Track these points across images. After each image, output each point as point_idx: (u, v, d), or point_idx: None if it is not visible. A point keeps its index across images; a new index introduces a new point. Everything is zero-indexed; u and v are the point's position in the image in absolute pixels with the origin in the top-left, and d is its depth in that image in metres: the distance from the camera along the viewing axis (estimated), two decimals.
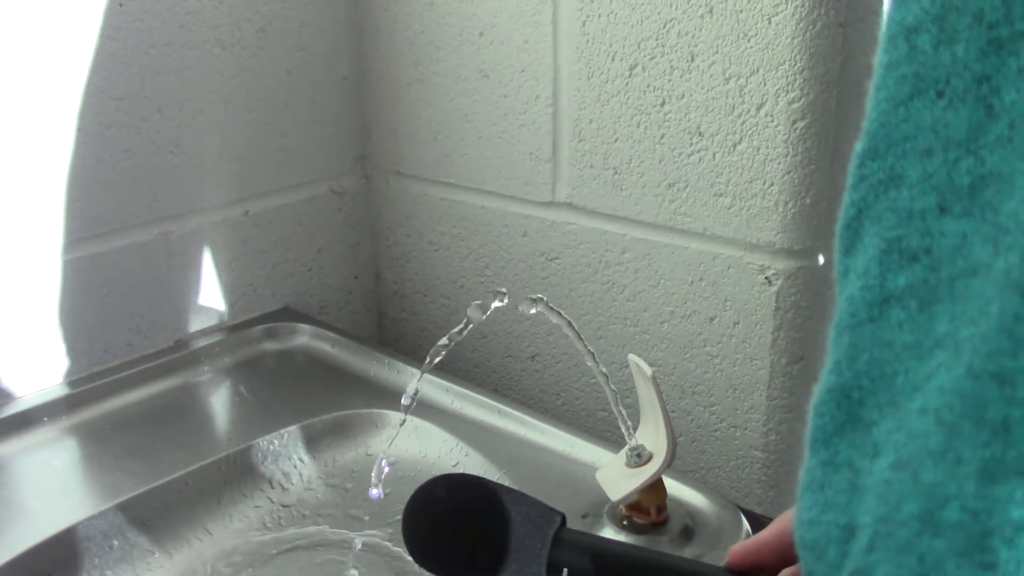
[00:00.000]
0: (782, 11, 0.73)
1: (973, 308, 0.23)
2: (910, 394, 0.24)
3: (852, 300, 0.27)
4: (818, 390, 0.27)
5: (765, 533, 0.46)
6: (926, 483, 0.23)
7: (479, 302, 0.66)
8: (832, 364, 0.27)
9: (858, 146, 0.27)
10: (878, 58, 0.27)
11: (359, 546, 0.73)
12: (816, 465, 0.28)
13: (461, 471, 0.79)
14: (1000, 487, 0.21)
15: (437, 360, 0.68)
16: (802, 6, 0.72)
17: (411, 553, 0.51)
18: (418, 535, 0.51)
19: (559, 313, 0.66)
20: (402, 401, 0.69)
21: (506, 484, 0.74)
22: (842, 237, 0.28)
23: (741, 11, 0.76)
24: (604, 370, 0.67)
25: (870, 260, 0.26)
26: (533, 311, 0.66)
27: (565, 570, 0.49)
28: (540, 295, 0.67)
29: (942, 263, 0.24)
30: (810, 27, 0.73)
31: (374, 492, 0.70)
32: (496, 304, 0.66)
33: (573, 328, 0.66)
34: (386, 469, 0.69)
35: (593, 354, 0.66)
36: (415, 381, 0.68)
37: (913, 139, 0.26)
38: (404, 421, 0.71)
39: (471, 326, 0.66)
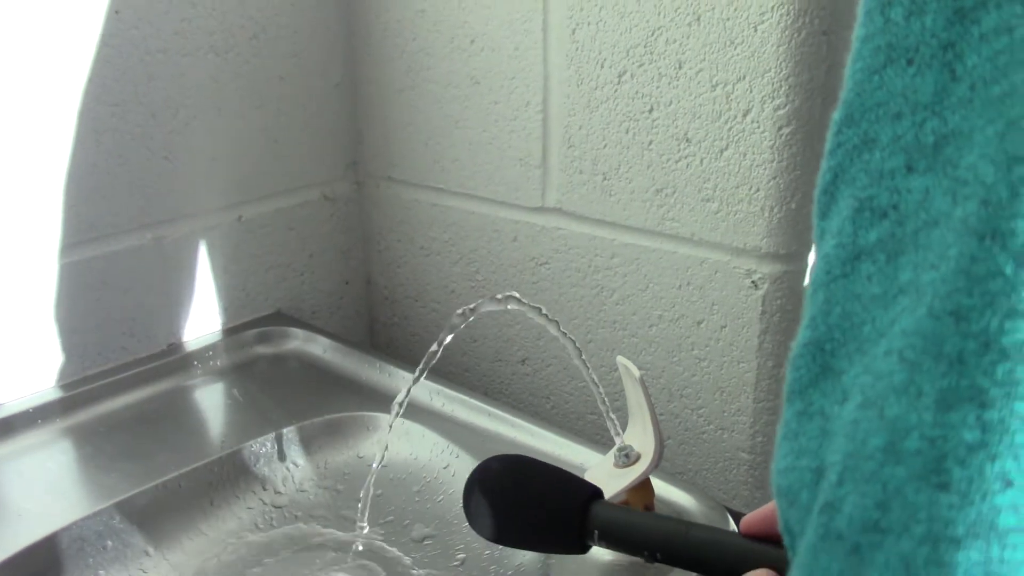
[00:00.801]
0: (768, 19, 0.75)
1: (934, 255, 0.25)
2: (875, 340, 0.26)
3: (827, 258, 0.28)
4: (795, 344, 0.29)
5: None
6: (890, 417, 0.25)
7: (461, 311, 0.67)
8: (808, 320, 0.29)
9: (835, 115, 0.29)
10: (856, 32, 0.29)
11: (353, 546, 0.74)
12: (792, 416, 0.29)
13: (451, 473, 0.80)
14: (954, 414, 0.23)
15: (428, 368, 0.69)
16: (787, 15, 0.74)
17: (469, 521, 0.59)
18: (474, 505, 0.58)
19: (528, 305, 0.67)
20: (392, 409, 0.70)
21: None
22: (819, 201, 0.30)
23: (728, 19, 0.77)
24: (572, 338, 0.68)
25: (844, 220, 0.28)
26: (508, 306, 0.67)
27: (596, 532, 0.55)
28: (511, 293, 0.68)
29: (907, 217, 0.26)
30: (795, 35, 0.74)
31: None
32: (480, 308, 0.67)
33: (544, 315, 0.67)
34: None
35: (573, 342, 0.67)
36: (404, 392, 0.69)
37: (885, 105, 0.27)
38: (391, 427, 0.72)
39: (452, 334, 0.67)
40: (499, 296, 0.67)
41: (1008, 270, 0.22)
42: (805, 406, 0.29)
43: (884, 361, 0.25)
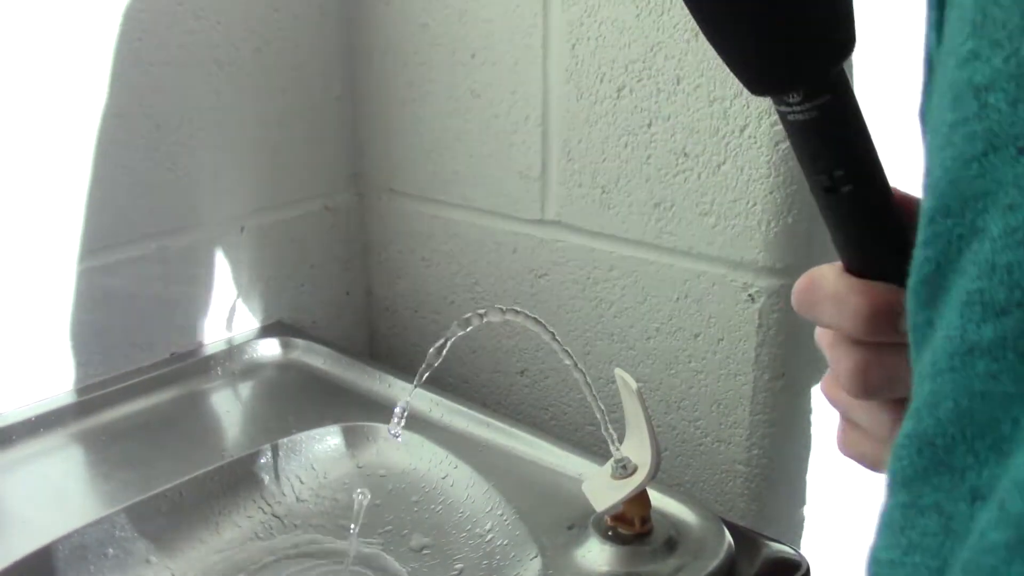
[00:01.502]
0: None
1: None
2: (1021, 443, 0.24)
3: (934, 351, 0.26)
4: (899, 434, 0.27)
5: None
6: (1014, 512, 0.23)
7: (459, 320, 0.68)
8: (912, 411, 0.27)
9: (925, 203, 0.27)
10: (939, 117, 0.26)
11: (352, 554, 0.74)
12: (895, 506, 0.28)
13: (450, 483, 0.80)
14: None
15: (425, 376, 0.70)
16: None
17: None
18: None
19: (526, 315, 0.68)
20: (392, 420, 0.70)
21: (494, 494, 0.76)
22: (919, 292, 0.27)
23: None
24: (570, 352, 0.68)
25: (951, 311, 0.26)
26: (507, 317, 0.68)
27: (828, 98, 0.37)
28: (513, 306, 0.68)
29: None
30: None
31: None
32: (477, 322, 0.67)
33: (541, 324, 0.68)
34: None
35: (568, 353, 0.68)
36: (403, 401, 0.70)
37: (992, 195, 0.25)
38: (399, 435, 0.72)
39: (450, 341, 0.68)
40: (502, 307, 0.68)
41: None
42: (913, 499, 0.27)
43: None
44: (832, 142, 0.37)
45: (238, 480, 0.80)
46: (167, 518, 0.75)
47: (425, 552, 0.76)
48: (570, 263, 0.94)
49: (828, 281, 0.40)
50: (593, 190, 0.90)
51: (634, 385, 0.66)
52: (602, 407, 0.69)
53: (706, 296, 0.85)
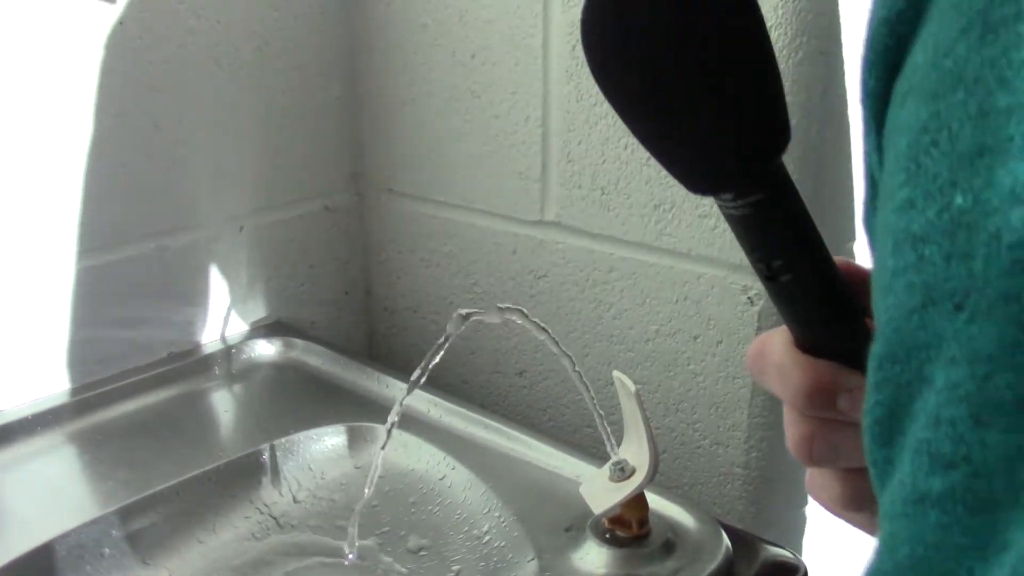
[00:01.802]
0: None
1: None
2: None
3: (891, 493, 0.26)
4: (865, 570, 0.27)
5: None
6: None
7: (458, 313, 0.68)
8: (875, 548, 0.27)
9: (874, 347, 0.27)
10: (881, 258, 0.26)
11: (349, 555, 0.74)
12: None
13: (448, 484, 0.80)
14: None
15: (423, 379, 0.70)
16: (785, 34, 0.74)
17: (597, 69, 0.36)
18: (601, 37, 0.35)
19: (525, 316, 0.68)
20: (388, 419, 0.70)
21: (492, 496, 0.76)
22: (873, 432, 0.27)
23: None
24: (569, 352, 0.68)
25: (905, 456, 0.26)
26: (506, 316, 0.68)
27: (760, 197, 0.36)
28: (509, 304, 0.68)
29: (992, 474, 0.23)
30: (792, 55, 0.75)
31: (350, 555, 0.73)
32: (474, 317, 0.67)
33: (542, 329, 0.68)
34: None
35: (570, 356, 0.68)
36: (398, 404, 0.70)
37: (935, 347, 0.25)
38: (385, 444, 0.72)
39: (449, 338, 0.68)
40: (501, 306, 0.68)
41: None
42: None
43: None
44: (768, 236, 0.37)
45: (235, 480, 0.80)
46: (164, 518, 0.75)
47: (422, 553, 0.75)
48: (569, 264, 0.94)
49: (775, 352, 0.40)
50: (593, 191, 0.90)
51: (632, 387, 0.66)
52: (600, 409, 0.69)
53: (705, 298, 0.85)
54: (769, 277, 0.38)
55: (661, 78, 0.34)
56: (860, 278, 0.40)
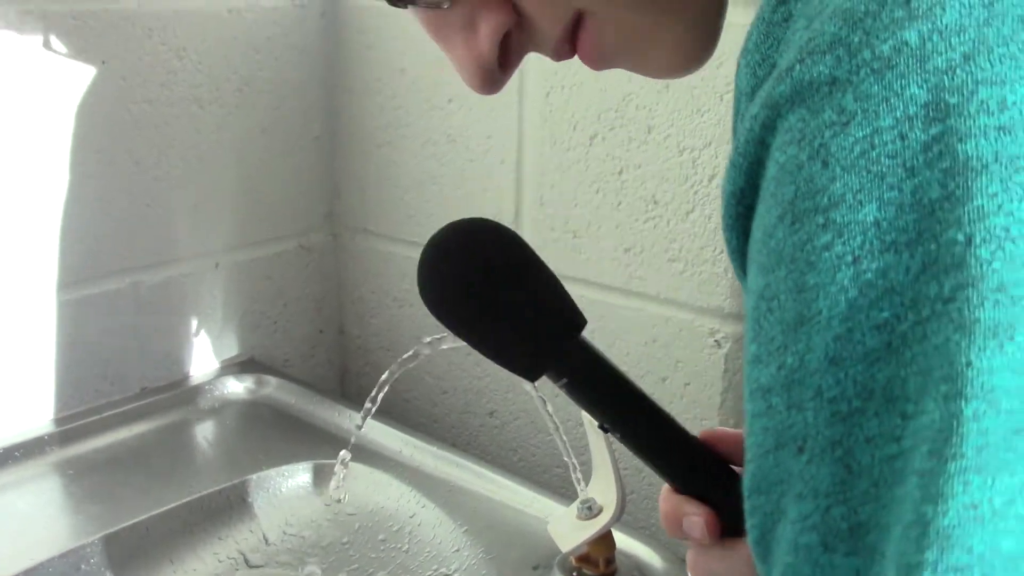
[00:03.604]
0: (733, 89, 0.78)
1: None
2: None
3: None
4: None
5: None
6: None
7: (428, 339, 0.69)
8: None
9: (745, 480, 0.31)
10: (745, 401, 0.31)
11: None
12: None
13: (418, 522, 0.81)
14: None
15: (374, 407, 0.70)
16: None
17: (431, 301, 0.47)
18: (443, 277, 0.47)
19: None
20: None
21: (461, 534, 0.76)
22: (755, 551, 0.31)
23: (695, 87, 0.80)
24: (541, 395, 0.69)
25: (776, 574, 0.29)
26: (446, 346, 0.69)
27: (570, 367, 0.46)
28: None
29: None
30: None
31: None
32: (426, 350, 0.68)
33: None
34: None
35: (542, 397, 0.69)
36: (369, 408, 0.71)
37: (786, 483, 0.29)
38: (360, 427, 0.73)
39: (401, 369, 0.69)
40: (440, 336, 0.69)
41: None
42: None
43: None
44: (587, 404, 0.48)
45: (206, 516, 0.80)
46: (134, 553, 0.75)
47: None
48: None
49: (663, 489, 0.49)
50: (565, 235, 0.92)
51: None
52: (569, 447, 0.70)
53: (674, 341, 0.86)
54: (605, 429, 0.49)
55: (466, 313, 0.46)
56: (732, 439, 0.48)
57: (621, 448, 0.91)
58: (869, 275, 0.27)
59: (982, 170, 0.26)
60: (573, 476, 0.70)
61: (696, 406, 0.86)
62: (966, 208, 0.26)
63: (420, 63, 1.00)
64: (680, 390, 0.87)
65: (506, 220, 0.96)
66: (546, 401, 0.69)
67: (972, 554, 0.24)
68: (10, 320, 0.87)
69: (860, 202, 0.27)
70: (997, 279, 0.25)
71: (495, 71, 0.44)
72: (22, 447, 0.86)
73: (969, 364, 0.25)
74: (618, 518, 0.68)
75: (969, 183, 0.26)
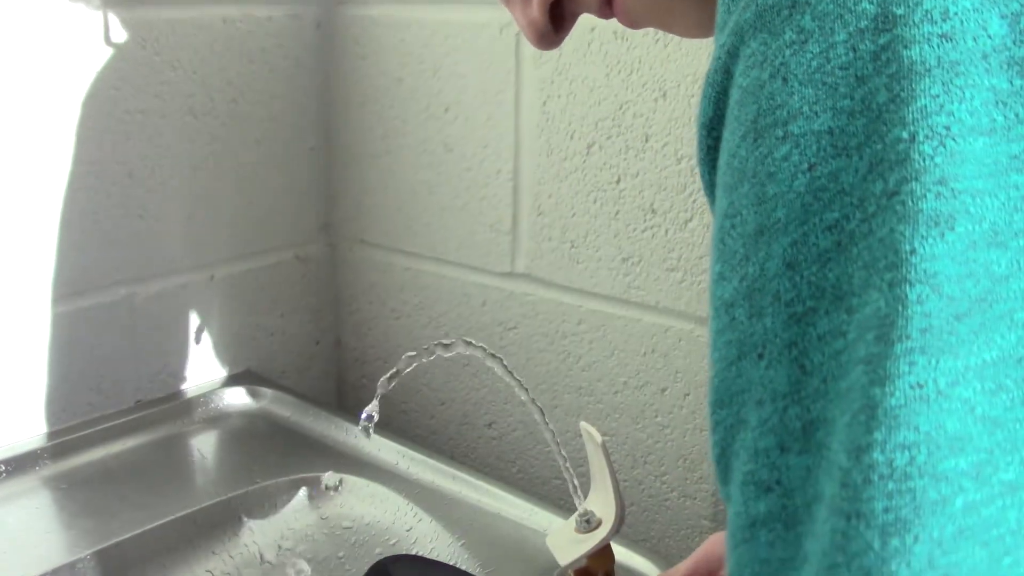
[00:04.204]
0: None
1: (817, 529, 0.28)
2: None
3: (731, 524, 0.31)
4: None
5: (685, 562, 0.55)
6: None
7: (411, 353, 0.68)
8: None
9: (709, 396, 0.32)
10: (710, 321, 0.33)
11: None
12: None
13: (414, 537, 0.80)
14: None
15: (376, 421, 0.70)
16: None
17: None
18: None
19: (479, 347, 0.68)
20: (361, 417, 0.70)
21: (459, 548, 0.76)
22: (716, 471, 0.32)
23: (692, 96, 0.80)
24: (539, 404, 0.68)
25: (736, 490, 0.30)
26: (448, 355, 0.68)
27: None
28: (454, 339, 0.69)
29: (794, 491, 0.29)
30: None
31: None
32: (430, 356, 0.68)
33: (498, 360, 0.68)
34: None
35: (540, 407, 0.68)
36: (375, 401, 0.70)
37: (747, 391, 0.30)
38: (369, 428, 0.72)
39: (403, 373, 0.68)
40: (446, 342, 0.68)
41: (876, 545, 0.25)
42: None
43: None
44: None
45: (200, 530, 0.79)
46: (126, 568, 0.74)
47: None
48: (539, 316, 0.95)
49: None
50: (562, 244, 0.91)
51: (599, 438, 0.67)
52: (566, 459, 0.69)
53: (673, 351, 0.86)
54: None
55: None
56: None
57: (619, 460, 0.91)
58: (822, 180, 0.29)
59: (925, 73, 0.28)
60: (571, 489, 0.69)
61: (696, 416, 0.85)
62: (910, 108, 0.28)
63: (416, 73, 0.99)
64: (680, 400, 0.86)
65: (503, 230, 0.96)
66: (544, 412, 0.69)
67: (919, 432, 0.26)
68: (3, 333, 0.86)
69: (815, 113, 0.29)
70: (939, 172, 0.27)
71: (549, 33, 0.48)
72: (13, 461, 0.85)
73: (913, 251, 0.27)
74: (617, 530, 0.67)
75: (913, 85, 0.28)
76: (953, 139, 0.27)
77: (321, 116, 1.09)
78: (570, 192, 0.89)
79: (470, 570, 0.74)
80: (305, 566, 0.73)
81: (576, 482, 0.69)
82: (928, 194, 0.27)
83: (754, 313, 0.30)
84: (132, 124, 0.92)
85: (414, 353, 0.68)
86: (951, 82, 0.27)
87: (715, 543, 0.59)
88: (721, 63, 0.33)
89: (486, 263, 0.98)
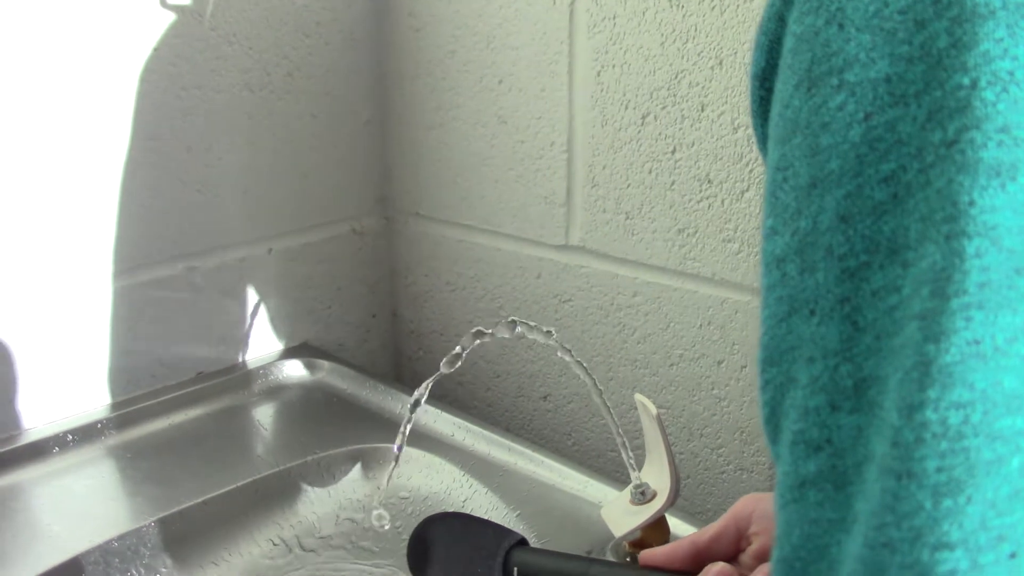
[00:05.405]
0: None
1: (868, 488, 0.27)
2: (843, 562, 0.28)
3: (780, 484, 0.30)
4: (772, 558, 0.31)
5: (717, 522, 0.56)
6: None
7: (476, 330, 0.69)
8: (777, 537, 0.30)
9: (759, 354, 0.31)
10: (761, 277, 0.32)
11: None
12: None
13: (470, 508, 0.81)
14: None
15: (425, 395, 0.70)
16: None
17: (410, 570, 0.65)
18: (412, 558, 0.65)
19: (538, 329, 0.68)
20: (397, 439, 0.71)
21: (514, 519, 0.76)
22: (766, 431, 0.32)
23: (749, 64, 0.78)
24: (593, 375, 0.68)
25: (785, 449, 0.30)
26: (508, 335, 0.68)
27: (515, 569, 0.60)
28: (515, 318, 0.69)
29: (845, 451, 0.28)
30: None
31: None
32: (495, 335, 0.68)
33: (563, 347, 0.68)
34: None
35: (581, 364, 0.68)
36: (413, 402, 0.70)
37: (798, 348, 0.29)
38: (399, 452, 0.73)
39: (466, 351, 0.69)
40: (514, 320, 0.68)
41: (928, 505, 0.25)
42: None
43: None
44: None
45: (260, 500, 0.80)
46: (190, 535, 0.76)
47: None
48: (594, 289, 0.95)
49: None
50: (617, 216, 0.91)
51: (654, 410, 0.66)
52: (621, 431, 0.69)
53: (729, 323, 0.85)
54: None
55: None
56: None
57: (675, 433, 0.90)
58: (879, 130, 0.28)
59: (989, 16, 0.26)
60: (626, 461, 0.69)
61: (753, 389, 0.84)
62: (972, 53, 0.26)
63: (470, 45, 0.99)
64: (736, 373, 0.85)
65: (557, 202, 0.95)
66: (599, 384, 0.68)
67: (974, 390, 0.25)
68: (66, 307, 0.88)
69: (872, 60, 0.28)
70: (1001, 120, 0.26)
71: None
72: (80, 431, 0.88)
73: (972, 203, 0.26)
74: (672, 503, 0.67)
75: (976, 29, 0.26)
76: (1017, 85, 0.26)
77: (376, 89, 1.10)
78: (625, 163, 0.89)
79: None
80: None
81: (631, 454, 0.69)
82: (989, 143, 0.26)
83: (806, 268, 0.29)
84: (189, 100, 0.93)
85: (479, 330, 0.69)
86: (1016, 24, 0.26)
87: (746, 503, 0.58)
88: (775, 10, 0.32)
89: (541, 235, 0.98)
